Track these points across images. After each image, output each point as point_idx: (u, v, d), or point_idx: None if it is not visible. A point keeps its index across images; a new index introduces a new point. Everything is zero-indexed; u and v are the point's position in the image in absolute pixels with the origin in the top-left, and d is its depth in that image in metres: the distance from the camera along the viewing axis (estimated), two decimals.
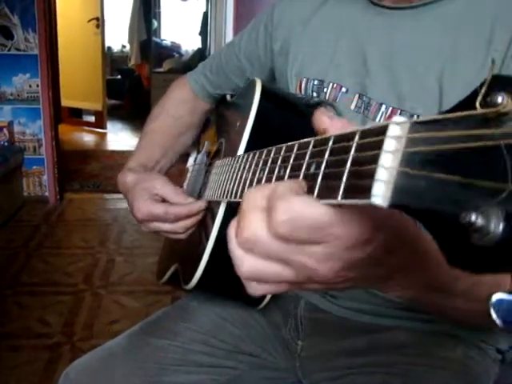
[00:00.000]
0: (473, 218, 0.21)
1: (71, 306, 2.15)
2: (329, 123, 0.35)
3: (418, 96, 0.67)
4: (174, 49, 7.20)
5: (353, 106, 0.74)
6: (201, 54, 5.74)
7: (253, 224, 0.33)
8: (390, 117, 0.69)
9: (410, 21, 0.69)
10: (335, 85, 0.76)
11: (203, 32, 5.95)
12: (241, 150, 0.69)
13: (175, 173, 1.10)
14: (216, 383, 0.83)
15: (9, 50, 3.09)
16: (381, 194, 0.26)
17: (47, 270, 2.46)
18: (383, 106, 0.70)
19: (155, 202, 0.78)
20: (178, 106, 1.02)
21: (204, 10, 6.10)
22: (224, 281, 0.79)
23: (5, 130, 3.10)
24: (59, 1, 4.77)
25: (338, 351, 0.80)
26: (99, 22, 5.06)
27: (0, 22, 3.04)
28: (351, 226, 0.31)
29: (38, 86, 3.15)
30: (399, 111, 0.68)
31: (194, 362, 0.83)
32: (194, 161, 1.04)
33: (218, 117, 1.02)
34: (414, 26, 0.69)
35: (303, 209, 0.31)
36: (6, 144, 3.11)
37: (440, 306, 0.44)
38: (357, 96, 0.74)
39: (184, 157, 1.09)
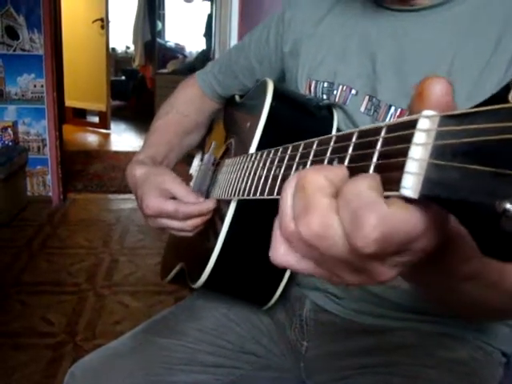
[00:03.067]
0: (508, 205, 0.22)
1: (74, 306, 2.15)
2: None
3: None
4: (178, 50, 7.22)
5: (362, 108, 0.74)
6: (205, 56, 5.74)
7: (325, 216, 0.28)
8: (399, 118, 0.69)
9: (419, 23, 0.70)
10: (345, 87, 0.77)
11: (208, 34, 5.96)
12: (253, 149, 0.70)
13: (181, 174, 1.10)
14: (221, 383, 0.83)
15: (14, 50, 3.10)
16: (410, 186, 0.27)
17: (50, 269, 2.47)
18: (392, 108, 0.70)
19: (166, 199, 0.77)
20: (187, 105, 1.03)
21: (208, 11, 6.11)
22: (232, 280, 0.79)
23: (9, 130, 3.11)
24: (64, 1, 4.77)
25: (343, 352, 0.80)
26: (104, 22, 5.07)
27: (6, 22, 3.05)
28: (434, 236, 0.28)
29: (42, 86, 3.16)
30: (408, 112, 0.68)
31: (199, 362, 0.83)
32: (201, 160, 1.04)
33: (227, 117, 1.02)
34: (423, 29, 0.69)
35: (401, 221, 0.26)
36: (10, 144, 3.12)
37: (470, 297, 0.42)
38: (367, 98, 0.74)
39: (188, 159, 1.09)
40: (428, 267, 0.33)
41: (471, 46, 0.65)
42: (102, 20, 5.07)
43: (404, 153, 0.27)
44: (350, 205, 0.27)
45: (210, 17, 5.89)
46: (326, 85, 0.79)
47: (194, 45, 7.24)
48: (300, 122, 0.77)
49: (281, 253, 0.32)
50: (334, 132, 0.76)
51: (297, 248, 0.31)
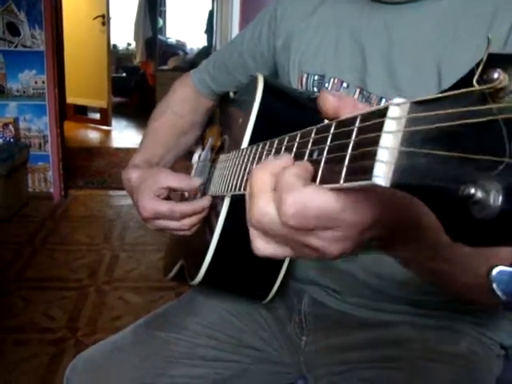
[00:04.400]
0: (472, 190, 0.22)
1: (76, 302, 2.16)
2: (337, 103, 0.35)
3: (417, 87, 0.67)
4: (179, 47, 7.22)
5: None
6: (206, 52, 5.74)
7: (263, 207, 0.35)
8: None
9: (409, 14, 0.70)
10: (336, 80, 0.77)
11: (209, 30, 5.96)
12: (244, 144, 0.70)
13: (180, 170, 1.10)
14: (221, 377, 0.84)
15: (15, 46, 3.10)
16: (382, 174, 0.27)
17: (52, 265, 2.47)
18: (383, 100, 0.70)
19: (160, 200, 0.78)
20: (182, 104, 1.03)
21: (210, 8, 6.11)
22: (229, 276, 0.80)
23: (10, 127, 3.12)
24: None
25: (342, 346, 0.81)
26: (105, 19, 5.07)
27: (7, 18, 3.05)
28: (362, 212, 0.33)
29: (43, 82, 3.16)
30: None
31: (199, 356, 0.84)
32: (199, 157, 1.04)
33: (222, 113, 1.02)
34: (413, 19, 0.69)
35: (311, 199, 0.32)
36: (11, 140, 3.13)
37: (438, 273, 0.45)
38: (358, 90, 0.74)
39: (188, 154, 1.09)
40: (395, 245, 0.39)
41: (461, 39, 0.65)
42: (103, 17, 5.06)
43: (376, 142, 0.28)
44: (278, 190, 0.34)
45: (211, 13, 5.89)
46: (316, 78, 0.79)
47: (195, 41, 7.24)
48: (291, 115, 0.77)
49: (257, 245, 0.38)
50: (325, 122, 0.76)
51: (262, 236, 0.37)
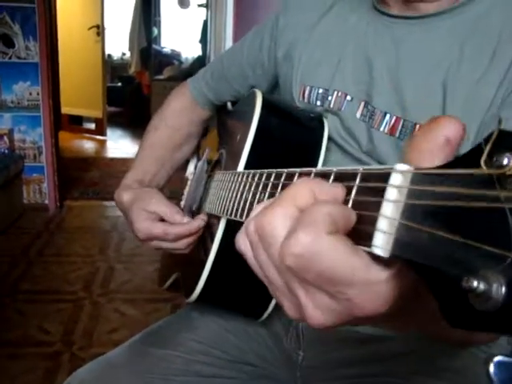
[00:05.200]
0: (474, 283, 0.21)
1: (71, 314, 2.14)
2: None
3: (422, 106, 0.66)
4: (174, 56, 7.23)
5: (358, 115, 0.73)
6: (201, 62, 5.75)
7: (277, 218, 0.31)
8: (393, 126, 0.69)
9: (418, 31, 0.69)
10: (340, 93, 0.76)
11: (203, 40, 5.97)
12: (241, 166, 0.69)
13: (176, 179, 1.10)
14: None
15: (10, 57, 3.10)
16: (381, 244, 0.26)
17: (47, 277, 2.46)
18: (387, 116, 0.69)
19: (154, 222, 0.79)
20: (178, 116, 1.02)
21: (204, 17, 6.13)
22: (225, 294, 0.79)
23: (5, 138, 3.11)
24: (60, 9, 4.80)
25: (339, 361, 0.80)
26: (99, 29, 5.08)
27: (1, 30, 3.06)
28: (372, 297, 0.28)
29: (38, 93, 3.16)
30: (402, 121, 0.68)
31: (195, 373, 0.83)
32: (195, 168, 1.04)
33: (220, 124, 1.01)
34: (421, 36, 0.69)
35: (326, 253, 0.27)
36: (6, 152, 3.12)
37: (427, 332, 0.43)
38: (362, 104, 0.73)
39: (184, 164, 1.09)
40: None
41: (467, 58, 0.64)
42: (97, 27, 5.08)
43: (376, 207, 0.27)
44: (300, 218, 0.29)
45: (205, 23, 5.91)
46: (320, 91, 0.78)
47: (190, 51, 7.25)
48: (289, 135, 0.76)
49: (239, 240, 0.35)
50: (324, 144, 0.75)
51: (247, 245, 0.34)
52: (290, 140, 0.76)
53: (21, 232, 2.97)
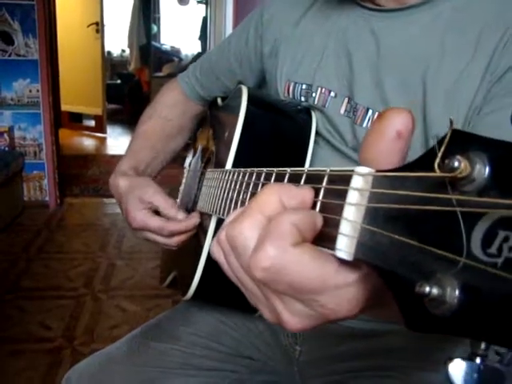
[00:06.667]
0: (427, 289, 0.21)
1: (72, 311, 2.15)
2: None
3: (403, 100, 0.66)
4: (174, 53, 7.22)
5: (342, 111, 0.73)
6: None
7: (247, 229, 0.31)
8: None
9: (397, 22, 0.69)
10: (323, 89, 0.76)
11: (203, 36, 5.97)
12: (229, 164, 0.69)
13: (174, 174, 1.10)
14: None
15: (9, 55, 3.10)
16: (344, 248, 0.26)
17: (48, 274, 2.47)
18: (370, 111, 0.69)
19: (151, 215, 0.79)
20: (170, 108, 1.02)
21: (204, 14, 6.12)
22: (220, 291, 0.80)
23: (5, 135, 3.11)
24: (59, 6, 4.79)
25: (336, 356, 0.81)
26: (99, 26, 5.08)
27: (0, 27, 3.05)
28: (343, 302, 0.28)
29: (38, 90, 3.16)
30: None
31: (194, 366, 0.83)
32: (189, 165, 1.04)
33: (211, 120, 1.02)
34: (401, 28, 0.68)
35: (294, 265, 0.28)
36: (6, 149, 3.12)
37: None
38: (346, 100, 0.73)
39: (181, 160, 1.09)
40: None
41: (449, 51, 0.63)
42: (97, 24, 5.07)
43: (339, 210, 0.27)
44: (267, 229, 0.29)
45: (204, 19, 5.90)
46: (304, 87, 0.78)
47: (190, 47, 7.25)
48: (276, 130, 0.76)
49: (213, 249, 0.36)
50: (312, 137, 0.75)
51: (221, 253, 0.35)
52: (278, 135, 0.76)
53: (21, 229, 2.98)
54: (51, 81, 3.23)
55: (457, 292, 0.20)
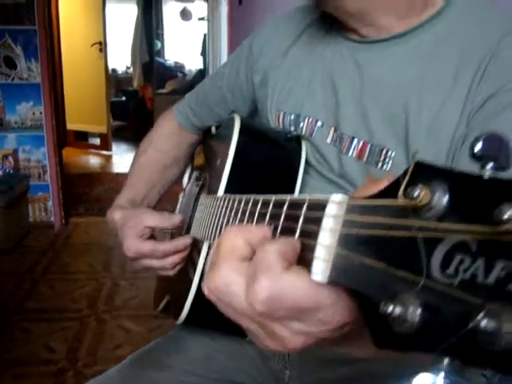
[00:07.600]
0: (390, 308, 0.23)
1: (76, 332, 2.17)
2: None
3: (386, 129, 0.68)
4: (178, 69, 7.28)
5: (329, 140, 0.75)
6: (202, 75, 5.80)
7: (227, 275, 0.32)
8: (361, 150, 0.70)
9: (379, 53, 0.71)
10: (311, 119, 0.78)
11: (204, 52, 6.02)
12: (221, 191, 0.71)
13: (175, 191, 1.12)
14: None
15: (12, 79, 3.15)
16: (320, 271, 0.28)
17: (53, 295, 2.48)
18: (355, 140, 0.71)
19: (143, 240, 0.80)
20: (165, 140, 1.04)
21: (205, 31, 6.18)
22: (212, 316, 0.81)
23: (10, 158, 3.16)
24: (63, 27, 4.87)
25: (326, 381, 0.81)
26: (102, 45, 5.14)
27: (4, 52, 3.11)
28: (339, 312, 0.30)
29: (41, 113, 3.21)
30: (369, 145, 0.70)
31: None
32: (189, 179, 1.06)
33: (205, 147, 1.04)
34: (383, 59, 0.70)
35: (290, 288, 0.29)
36: (11, 171, 3.16)
37: None
38: (332, 129, 0.75)
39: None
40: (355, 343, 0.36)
41: (427, 84, 0.65)
42: (100, 43, 5.14)
43: (315, 236, 0.29)
44: (254, 265, 0.31)
45: (205, 36, 5.95)
46: (293, 117, 0.80)
47: (193, 63, 7.30)
48: (267, 158, 0.78)
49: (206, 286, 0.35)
50: (302, 165, 0.77)
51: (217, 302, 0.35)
52: (269, 164, 0.78)
53: (26, 250, 3.01)
54: (54, 103, 3.27)
55: (418, 311, 0.22)
